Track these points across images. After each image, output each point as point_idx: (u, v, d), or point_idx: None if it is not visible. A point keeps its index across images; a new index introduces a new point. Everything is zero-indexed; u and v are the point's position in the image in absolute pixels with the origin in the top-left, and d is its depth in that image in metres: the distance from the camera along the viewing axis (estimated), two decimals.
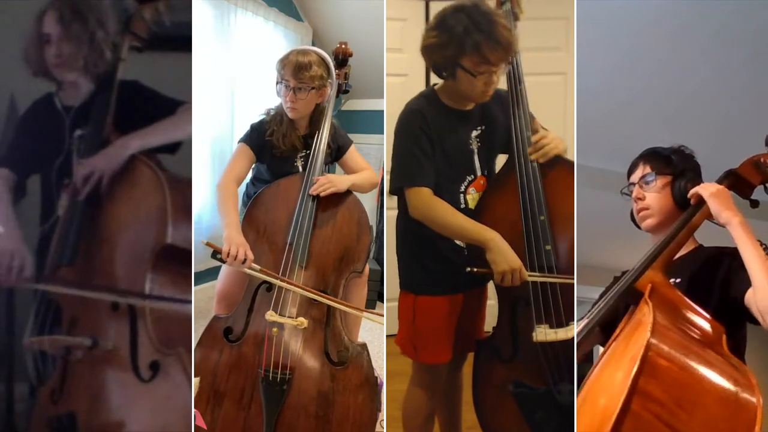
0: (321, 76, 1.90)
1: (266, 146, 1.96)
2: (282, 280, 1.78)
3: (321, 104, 1.98)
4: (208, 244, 1.75)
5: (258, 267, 1.77)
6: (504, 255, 1.64)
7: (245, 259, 1.73)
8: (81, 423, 1.56)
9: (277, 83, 1.91)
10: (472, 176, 1.80)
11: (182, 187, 1.63)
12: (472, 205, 1.80)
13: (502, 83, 1.91)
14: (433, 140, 1.73)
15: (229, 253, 1.72)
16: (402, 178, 1.74)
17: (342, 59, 2.07)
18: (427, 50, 1.72)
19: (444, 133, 1.75)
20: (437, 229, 1.71)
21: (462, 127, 1.78)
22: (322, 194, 1.86)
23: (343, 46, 2.08)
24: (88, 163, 1.60)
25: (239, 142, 1.98)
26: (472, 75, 1.66)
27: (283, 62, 1.90)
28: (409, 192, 1.73)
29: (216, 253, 1.74)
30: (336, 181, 1.89)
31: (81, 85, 1.75)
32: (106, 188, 1.59)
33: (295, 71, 1.87)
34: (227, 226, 1.79)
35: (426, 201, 1.71)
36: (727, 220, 1.39)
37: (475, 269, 1.66)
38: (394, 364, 1.91)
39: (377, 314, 1.87)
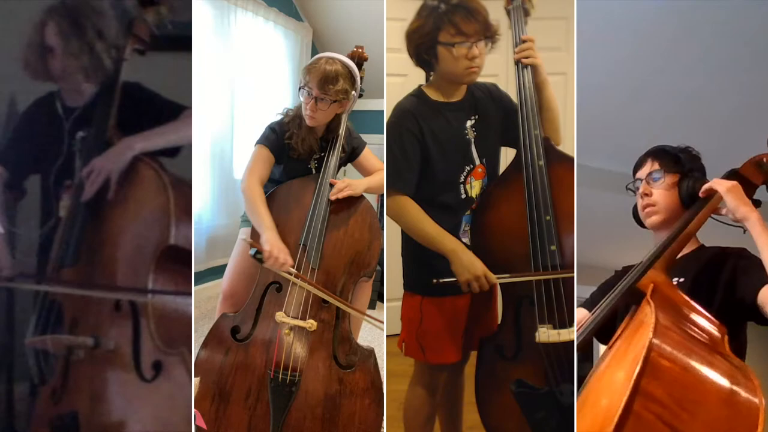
0: (345, 90, 1.86)
1: (284, 148, 1.94)
2: (322, 291, 1.80)
3: (340, 113, 1.96)
4: (252, 243, 1.78)
5: (294, 271, 1.79)
6: (464, 265, 1.68)
7: (284, 262, 1.76)
8: (82, 422, 1.56)
9: (300, 88, 1.88)
10: (471, 166, 1.81)
11: (184, 188, 1.63)
12: (472, 193, 1.81)
13: (501, 82, 1.93)
14: (425, 138, 1.75)
15: (271, 254, 1.75)
16: (387, 180, 1.77)
17: (357, 63, 2.04)
18: (409, 37, 1.76)
19: (437, 128, 1.76)
20: (408, 233, 1.77)
21: (455, 118, 1.80)
22: (339, 197, 1.87)
23: (360, 50, 2.04)
24: (92, 163, 1.60)
25: (258, 143, 1.94)
26: (450, 46, 1.69)
27: (310, 69, 1.85)
28: (389, 196, 1.76)
29: (258, 253, 1.76)
30: (353, 184, 1.90)
31: (84, 89, 1.76)
32: (111, 189, 1.59)
33: (321, 82, 1.83)
34: (267, 229, 1.80)
35: (400, 206, 1.75)
36: (745, 216, 1.38)
37: (441, 280, 1.69)
38: (394, 364, 1.91)
39: (379, 321, 1.87)
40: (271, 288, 1.83)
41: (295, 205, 1.88)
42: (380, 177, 1.99)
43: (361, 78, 2.04)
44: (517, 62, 1.77)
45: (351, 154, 2.05)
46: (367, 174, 2.07)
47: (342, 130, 1.97)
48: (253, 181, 1.88)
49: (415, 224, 1.74)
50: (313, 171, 1.99)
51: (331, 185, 1.89)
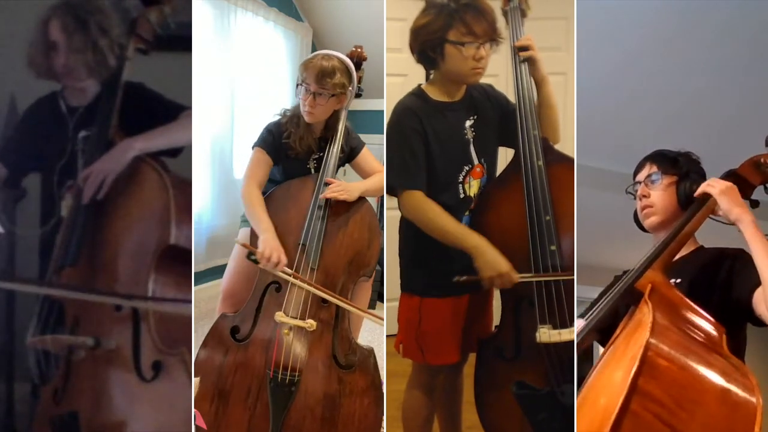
0: (342, 84, 1.89)
1: (282, 148, 1.95)
2: (320, 289, 1.80)
3: (338, 110, 1.97)
4: (244, 245, 1.80)
5: (290, 271, 1.79)
6: (489, 262, 1.66)
7: (278, 262, 1.77)
8: (83, 422, 1.56)
9: (297, 85, 1.90)
10: (470, 165, 1.81)
11: (185, 188, 1.64)
12: (470, 193, 1.82)
13: (501, 83, 1.93)
14: (427, 136, 1.75)
15: (264, 255, 1.75)
16: (394, 179, 1.76)
17: (356, 63, 2.06)
18: (416, 33, 1.75)
19: (438, 127, 1.77)
20: (426, 231, 1.74)
21: (454, 118, 1.80)
22: (333, 199, 1.86)
23: (358, 49, 2.06)
24: (90, 167, 1.61)
25: (255, 146, 1.96)
26: (460, 45, 1.69)
27: (307, 65, 1.88)
28: (402, 194, 1.75)
29: (251, 254, 1.78)
30: (348, 188, 1.90)
31: (87, 87, 1.76)
32: (110, 190, 1.60)
33: (318, 77, 1.85)
34: (264, 230, 1.81)
35: (417, 203, 1.73)
36: (738, 218, 1.38)
37: (463, 278, 1.67)
38: (394, 364, 1.91)
39: (379, 317, 1.87)
40: (270, 288, 1.83)
41: (293, 205, 1.89)
42: (377, 179, 2.00)
43: (360, 78, 2.04)
44: (515, 54, 1.78)
45: (350, 154, 2.05)
46: (365, 175, 2.07)
47: (341, 128, 1.97)
48: (252, 186, 1.90)
49: (434, 221, 1.72)
50: (312, 171, 1.99)
51: (327, 184, 1.89)
